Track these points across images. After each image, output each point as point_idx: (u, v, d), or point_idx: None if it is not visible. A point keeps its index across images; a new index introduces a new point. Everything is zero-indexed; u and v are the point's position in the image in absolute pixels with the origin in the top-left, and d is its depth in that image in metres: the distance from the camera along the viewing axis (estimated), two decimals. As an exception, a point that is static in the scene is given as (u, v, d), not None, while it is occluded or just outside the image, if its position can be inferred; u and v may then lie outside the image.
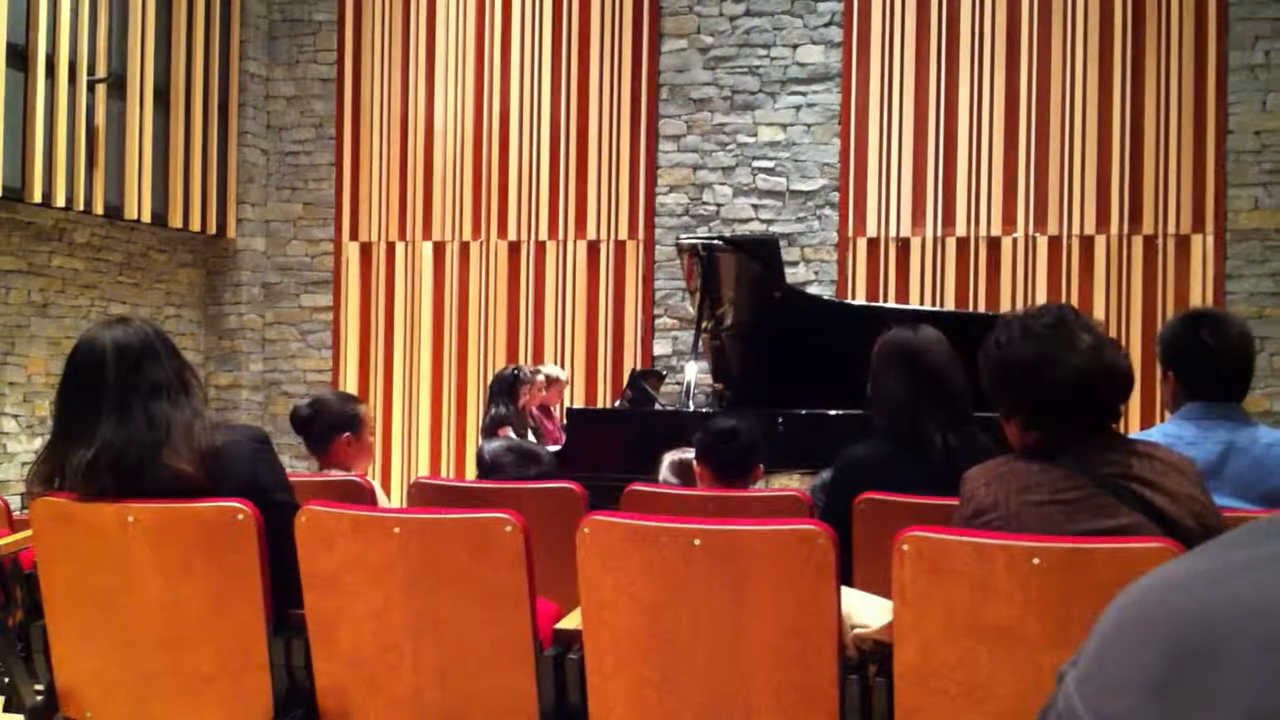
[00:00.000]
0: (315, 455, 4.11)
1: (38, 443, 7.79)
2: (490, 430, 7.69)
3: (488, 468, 3.88)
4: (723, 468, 3.67)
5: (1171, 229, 8.83)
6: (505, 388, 8.03)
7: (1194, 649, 0.56)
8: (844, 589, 2.37)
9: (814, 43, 9.39)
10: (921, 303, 9.05)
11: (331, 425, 4.04)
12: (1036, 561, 2.09)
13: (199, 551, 2.59)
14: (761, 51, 9.47)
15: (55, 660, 2.77)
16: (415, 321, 9.97)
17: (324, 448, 4.05)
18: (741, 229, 9.33)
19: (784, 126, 9.42)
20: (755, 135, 9.46)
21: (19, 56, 7.67)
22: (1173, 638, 0.57)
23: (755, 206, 9.44)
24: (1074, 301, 8.64)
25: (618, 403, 8.33)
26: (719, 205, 9.49)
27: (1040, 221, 9.03)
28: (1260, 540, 0.60)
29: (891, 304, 8.86)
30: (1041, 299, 8.78)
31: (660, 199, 9.60)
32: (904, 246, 9.23)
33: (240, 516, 2.54)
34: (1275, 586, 0.56)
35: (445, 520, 2.58)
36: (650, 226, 9.62)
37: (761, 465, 3.80)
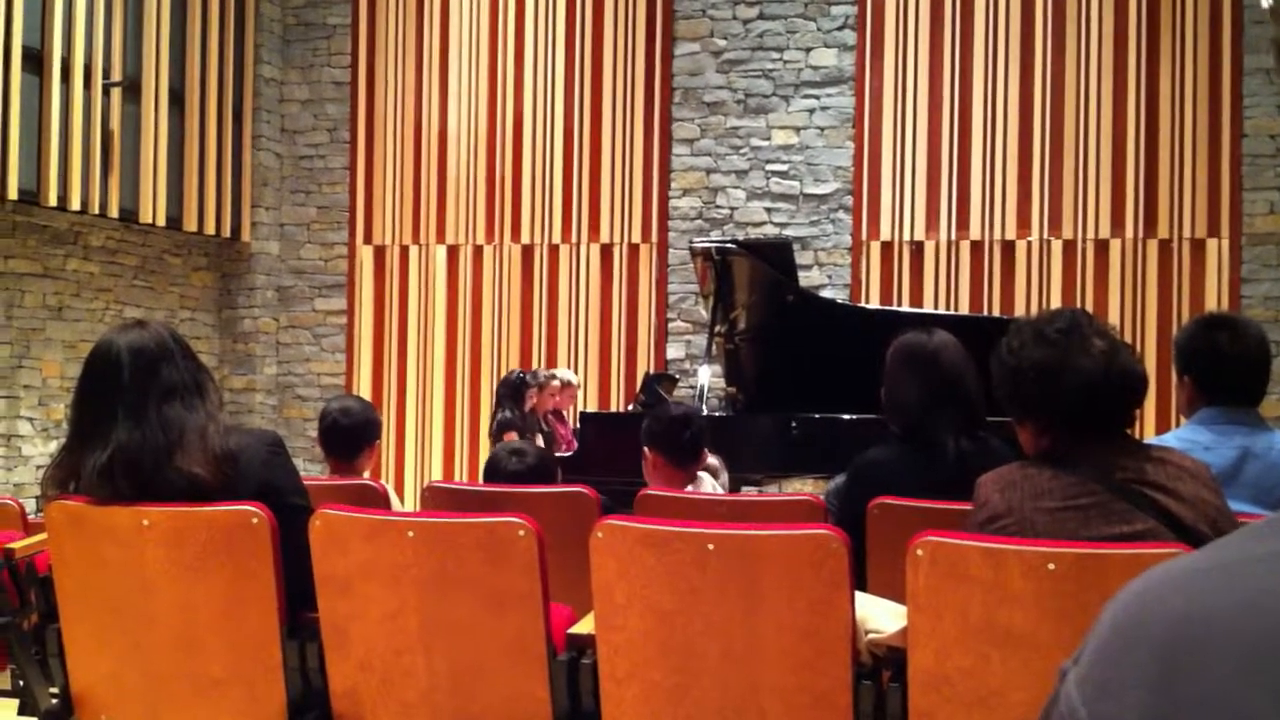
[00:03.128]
0: (341, 462, 4.14)
1: (53, 446, 7.82)
2: (497, 435, 7.69)
3: (486, 469, 3.95)
4: (679, 452, 3.85)
5: (1187, 233, 8.80)
6: (511, 392, 8.03)
7: (1185, 649, 0.56)
8: (858, 594, 2.37)
9: (827, 46, 9.38)
10: (935, 306, 9.03)
11: (367, 435, 4.13)
12: (1051, 567, 2.08)
13: (213, 555, 2.59)
14: (775, 55, 9.46)
15: (70, 664, 2.78)
16: (429, 325, 9.98)
17: (354, 456, 4.11)
18: (755, 232, 9.32)
19: (797, 130, 9.41)
20: (769, 138, 9.45)
21: (35, 60, 7.70)
22: (1165, 638, 0.57)
23: (769, 210, 9.43)
24: (1089, 305, 8.62)
25: (631, 406, 8.33)
26: (732, 209, 9.49)
27: (1055, 225, 9.01)
28: (1258, 540, 0.60)
29: (905, 308, 8.84)
30: (1056, 303, 8.76)
31: (674, 202, 9.60)
32: (918, 250, 9.21)
33: (254, 520, 2.55)
34: (1269, 587, 0.56)
35: (459, 524, 2.58)
36: (664, 230, 9.62)
37: (706, 449, 4.02)
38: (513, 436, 7.32)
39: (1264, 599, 0.55)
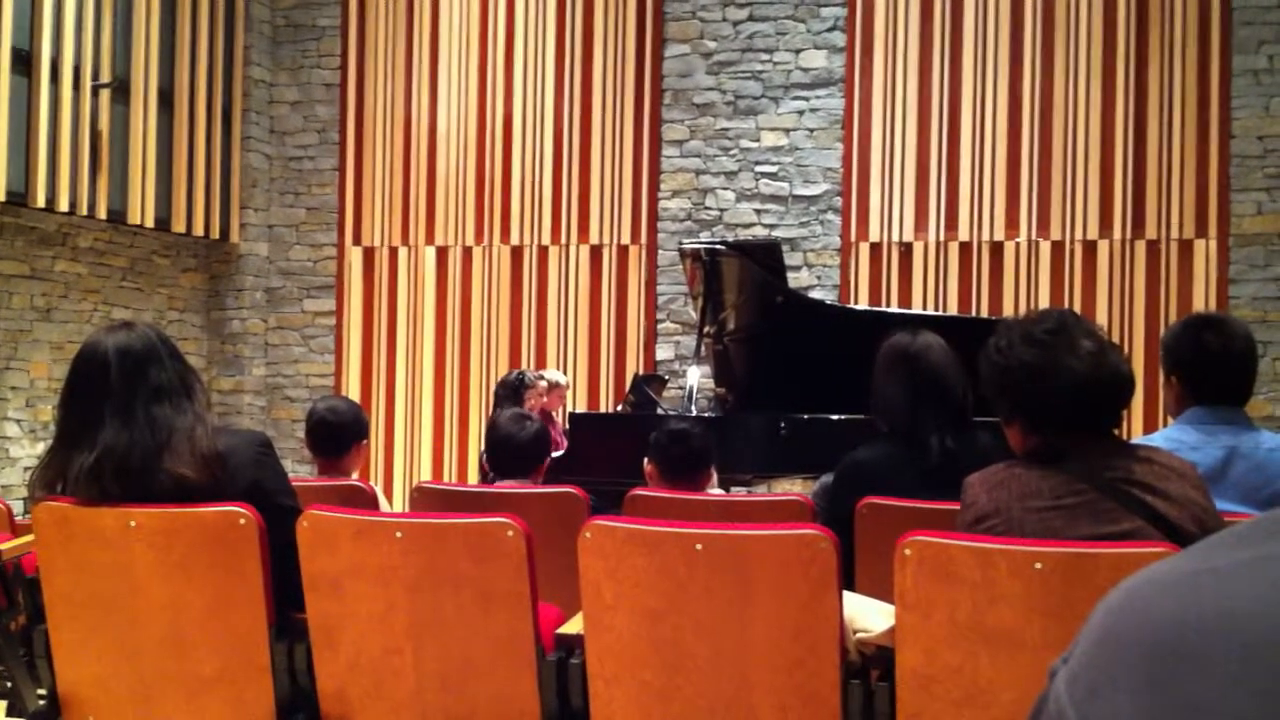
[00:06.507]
0: (328, 461, 4.14)
1: (40, 447, 7.79)
2: (493, 435, 7.69)
3: (489, 437, 4.01)
4: (670, 466, 3.84)
5: (1175, 233, 8.83)
6: (510, 392, 8.03)
7: (1176, 653, 0.56)
8: (846, 593, 2.37)
9: (817, 48, 9.39)
10: (924, 307, 9.05)
11: (354, 434, 4.13)
12: (1039, 566, 2.09)
13: (201, 555, 2.59)
14: (764, 56, 9.47)
15: (58, 665, 2.77)
16: (418, 326, 9.97)
17: (341, 454, 4.11)
18: (744, 234, 9.32)
19: (787, 131, 9.42)
20: (758, 140, 9.46)
21: (23, 61, 7.68)
22: (1154, 640, 0.57)
23: (758, 211, 9.44)
24: (1077, 306, 8.64)
25: (620, 407, 8.33)
26: (722, 210, 9.49)
27: (1043, 226, 9.03)
28: (1248, 542, 0.60)
29: (894, 309, 8.85)
30: (1044, 304, 8.76)
31: (663, 204, 9.60)
32: (907, 251, 9.22)
33: (242, 520, 2.54)
34: (1258, 591, 0.56)
35: (447, 524, 2.58)
36: (653, 231, 9.62)
37: (713, 471, 3.97)
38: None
39: (1253, 603, 0.55)
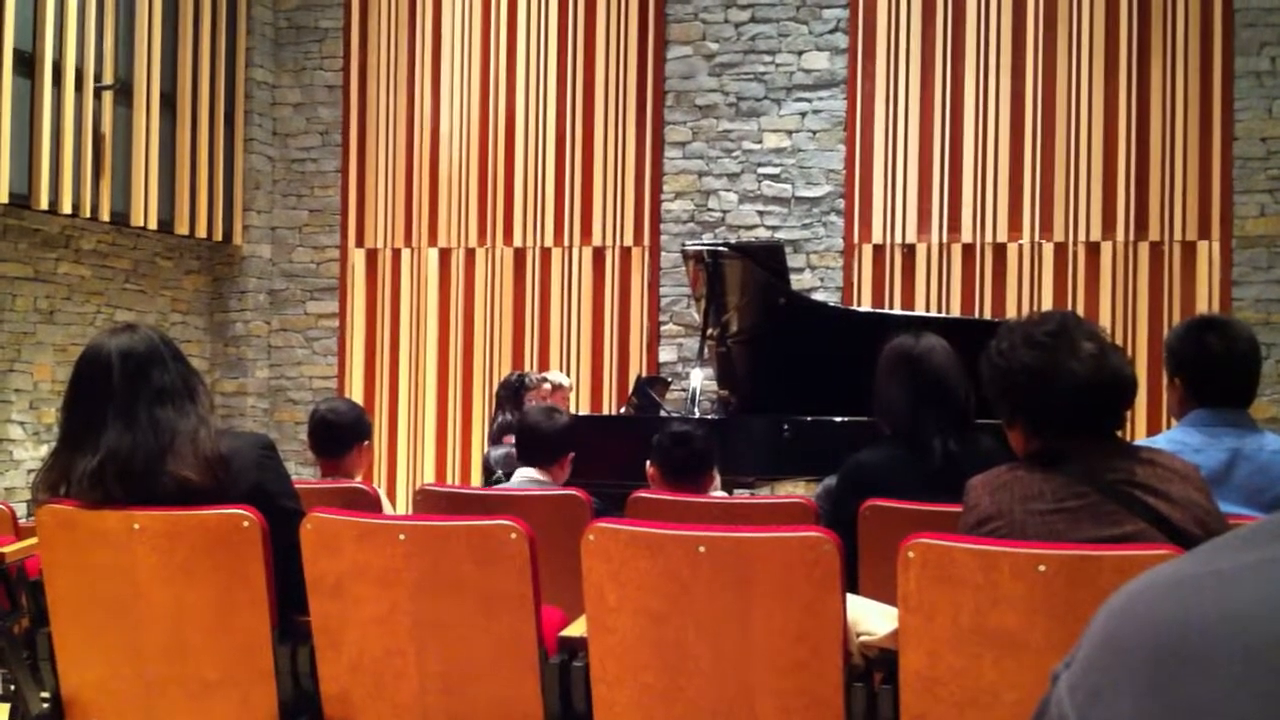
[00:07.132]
0: (329, 461, 4.15)
1: (44, 450, 7.80)
2: (496, 438, 7.69)
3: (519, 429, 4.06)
4: (673, 469, 3.85)
5: (1178, 235, 8.82)
6: (511, 394, 8.02)
7: (1178, 657, 0.56)
8: (849, 596, 2.37)
9: (819, 49, 9.39)
10: (927, 309, 9.04)
11: (355, 434, 4.14)
12: (1042, 569, 2.09)
13: (204, 558, 2.59)
14: (767, 58, 9.47)
15: (61, 668, 2.77)
16: (421, 328, 9.97)
17: (342, 455, 4.12)
18: (747, 235, 9.32)
19: (789, 133, 9.42)
20: (761, 142, 9.46)
21: (26, 63, 7.69)
22: (1157, 644, 0.57)
23: (761, 213, 9.44)
24: (1080, 308, 8.63)
25: (623, 409, 8.33)
26: (724, 211, 9.49)
27: (1046, 228, 9.02)
28: (1252, 545, 0.60)
29: (897, 310, 8.85)
30: (1047, 305, 8.76)
31: (666, 205, 9.60)
32: (909, 253, 9.22)
33: (246, 523, 2.55)
34: (1262, 593, 0.56)
35: (451, 527, 2.58)
36: (656, 233, 9.62)
37: (716, 473, 4.00)
38: (511, 440, 7.30)
39: (1256, 606, 0.55)
